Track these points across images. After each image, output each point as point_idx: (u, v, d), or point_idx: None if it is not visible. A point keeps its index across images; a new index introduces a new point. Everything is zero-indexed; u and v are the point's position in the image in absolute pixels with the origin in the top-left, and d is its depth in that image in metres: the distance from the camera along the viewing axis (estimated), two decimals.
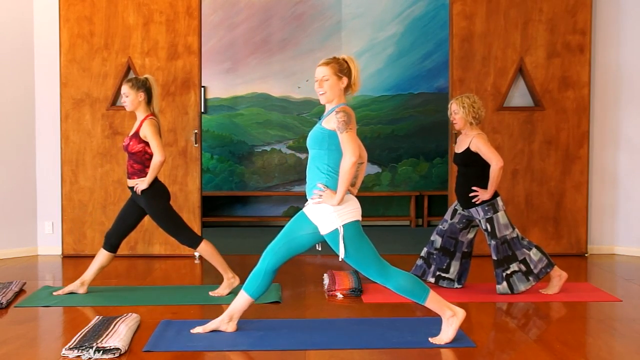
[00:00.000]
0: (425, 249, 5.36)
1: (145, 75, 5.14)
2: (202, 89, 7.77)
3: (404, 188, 9.14)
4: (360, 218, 3.97)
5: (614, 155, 6.90)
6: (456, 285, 5.33)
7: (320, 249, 4.15)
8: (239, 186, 9.13)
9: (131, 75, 6.78)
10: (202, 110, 8.32)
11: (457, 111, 5.15)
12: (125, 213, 5.17)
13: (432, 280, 5.30)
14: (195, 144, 6.74)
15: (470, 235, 5.31)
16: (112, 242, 5.13)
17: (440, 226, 5.34)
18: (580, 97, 6.74)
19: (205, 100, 8.95)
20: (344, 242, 3.88)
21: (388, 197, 9.19)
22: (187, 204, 6.76)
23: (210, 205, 8.98)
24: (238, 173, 9.12)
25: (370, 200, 9.10)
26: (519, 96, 6.86)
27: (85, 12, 6.69)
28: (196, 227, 6.74)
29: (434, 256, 5.30)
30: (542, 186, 6.77)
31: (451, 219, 5.28)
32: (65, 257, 6.75)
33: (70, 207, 6.74)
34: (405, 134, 9.12)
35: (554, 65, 6.73)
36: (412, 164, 9.14)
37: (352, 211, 3.92)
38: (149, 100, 5.07)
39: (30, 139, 6.87)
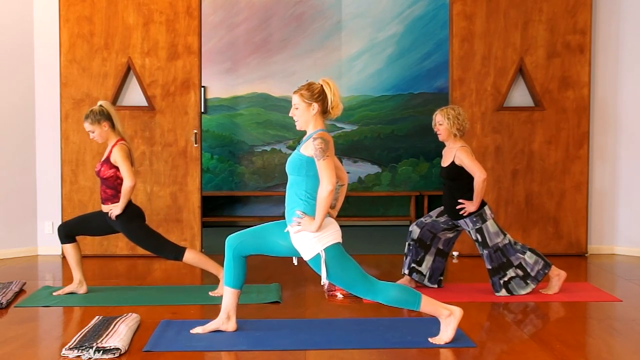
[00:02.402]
0: (406, 244, 5.35)
1: (99, 103, 5.11)
2: (202, 89, 7.77)
3: (404, 188, 9.13)
4: (340, 240, 3.97)
5: (613, 155, 6.90)
6: (427, 283, 5.30)
7: (296, 263, 4.16)
8: (239, 186, 9.13)
9: (131, 75, 6.78)
10: (202, 110, 8.31)
11: (441, 122, 5.16)
12: (91, 220, 5.20)
13: (407, 272, 5.29)
14: (195, 144, 6.75)
15: (450, 235, 5.30)
16: (65, 233, 5.11)
17: (422, 219, 5.32)
18: (580, 97, 6.74)
19: (205, 100, 8.94)
20: (327, 265, 3.88)
21: (388, 197, 9.19)
22: (187, 204, 6.77)
23: (210, 205, 8.98)
24: (238, 173, 9.11)
25: (370, 200, 9.10)
26: (519, 96, 6.86)
27: (85, 12, 6.69)
28: (196, 227, 6.75)
29: (411, 247, 5.28)
30: (542, 186, 6.77)
31: (437, 217, 5.27)
32: (65, 257, 6.74)
33: (70, 207, 6.74)
34: (405, 134, 9.11)
35: (554, 65, 6.73)
36: (412, 164, 9.13)
37: (332, 234, 3.93)
38: (112, 125, 5.06)
39: (30, 139, 6.87)
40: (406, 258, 5.31)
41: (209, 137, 8.98)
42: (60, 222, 6.76)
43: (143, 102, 6.78)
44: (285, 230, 4.01)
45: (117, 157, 4.96)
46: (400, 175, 9.13)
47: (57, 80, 6.76)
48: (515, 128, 6.76)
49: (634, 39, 6.81)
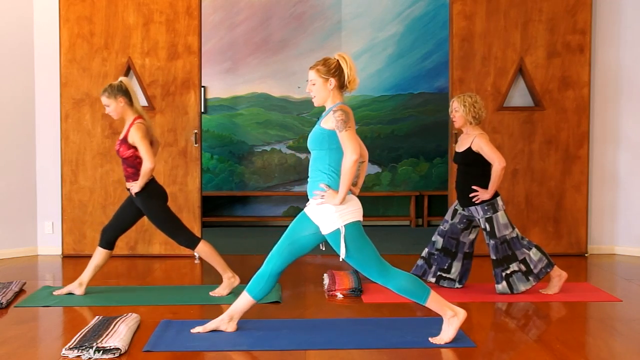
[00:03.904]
0: (426, 250, 5.36)
1: (120, 78, 5.10)
2: (202, 89, 7.77)
3: (404, 188, 9.13)
4: (361, 218, 3.97)
5: (614, 155, 6.90)
6: (457, 285, 5.34)
7: (324, 249, 4.14)
8: (239, 186, 9.13)
9: (131, 75, 6.79)
10: (202, 110, 8.32)
11: (457, 109, 5.16)
12: (123, 211, 5.18)
13: (433, 280, 5.31)
14: (195, 144, 6.74)
15: (472, 236, 5.31)
16: (107, 239, 5.13)
17: (441, 227, 5.34)
18: (580, 97, 6.74)
19: (205, 100, 8.95)
20: (345, 242, 3.88)
21: (388, 197, 9.19)
22: (187, 204, 6.76)
23: (210, 205, 8.98)
24: (238, 173, 9.11)
25: (370, 200, 9.09)
26: (519, 96, 6.86)
27: (85, 12, 6.69)
28: (196, 227, 6.74)
29: (435, 256, 5.30)
30: (542, 186, 6.77)
31: (452, 220, 5.28)
32: (65, 257, 6.75)
33: (70, 207, 6.74)
34: (405, 134, 9.12)
35: (554, 65, 6.73)
36: (412, 164, 9.14)
37: (354, 211, 3.92)
38: (130, 102, 5.04)
39: (30, 139, 6.87)
40: (430, 267, 5.31)
41: (209, 137, 8.98)
42: (60, 222, 6.78)
43: (143, 102, 6.77)
44: (307, 205, 4.00)
45: (135, 138, 4.92)
46: (400, 175, 9.13)
47: (57, 80, 6.75)
48: (515, 128, 6.76)
49: (634, 39, 6.81)
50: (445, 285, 5.31)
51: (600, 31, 6.85)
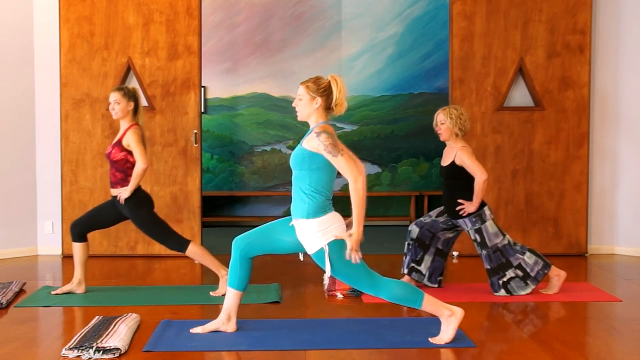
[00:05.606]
0: (405, 243, 5.35)
1: (132, 87, 5.20)
2: (202, 89, 7.77)
3: (404, 188, 9.13)
4: (345, 235, 3.96)
5: (613, 156, 6.90)
6: (426, 282, 5.30)
7: (302, 259, 4.15)
8: (239, 186, 9.13)
9: (131, 75, 6.79)
10: (202, 110, 8.31)
11: (443, 121, 5.16)
12: (100, 212, 5.20)
13: (406, 271, 5.29)
14: (195, 144, 6.75)
15: (450, 235, 5.30)
16: (79, 232, 5.12)
17: (422, 218, 5.33)
18: (580, 97, 6.74)
19: (205, 100, 8.95)
20: (330, 260, 3.88)
21: (388, 197, 9.19)
22: (187, 204, 6.77)
23: (210, 205, 8.98)
24: (238, 173, 9.12)
25: (370, 200, 9.08)
26: (519, 96, 6.86)
27: (85, 12, 6.69)
28: (196, 227, 6.75)
29: (410, 247, 5.29)
30: (542, 186, 6.77)
31: (436, 217, 5.28)
32: (65, 257, 6.74)
33: (70, 207, 6.74)
34: (405, 134, 9.11)
35: (554, 65, 6.73)
36: (412, 164, 9.13)
37: (336, 229, 3.93)
38: (135, 111, 5.12)
39: (30, 139, 6.87)
40: (405, 257, 5.32)
41: (209, 137, 8.98)
42: (60, 222, 6.79)
43: (143, 102, 6.75)
44: (290, 224, 4.00)
45: (131, 140, 4.98)
46: (400, 175, 9.13)
47: (57, 80, 6.76)
48: (515, 128, 6.76)
49: (634, 39, 6.81)
50: (415, 278, 5.29)
51: (600, 31, 6.86)
